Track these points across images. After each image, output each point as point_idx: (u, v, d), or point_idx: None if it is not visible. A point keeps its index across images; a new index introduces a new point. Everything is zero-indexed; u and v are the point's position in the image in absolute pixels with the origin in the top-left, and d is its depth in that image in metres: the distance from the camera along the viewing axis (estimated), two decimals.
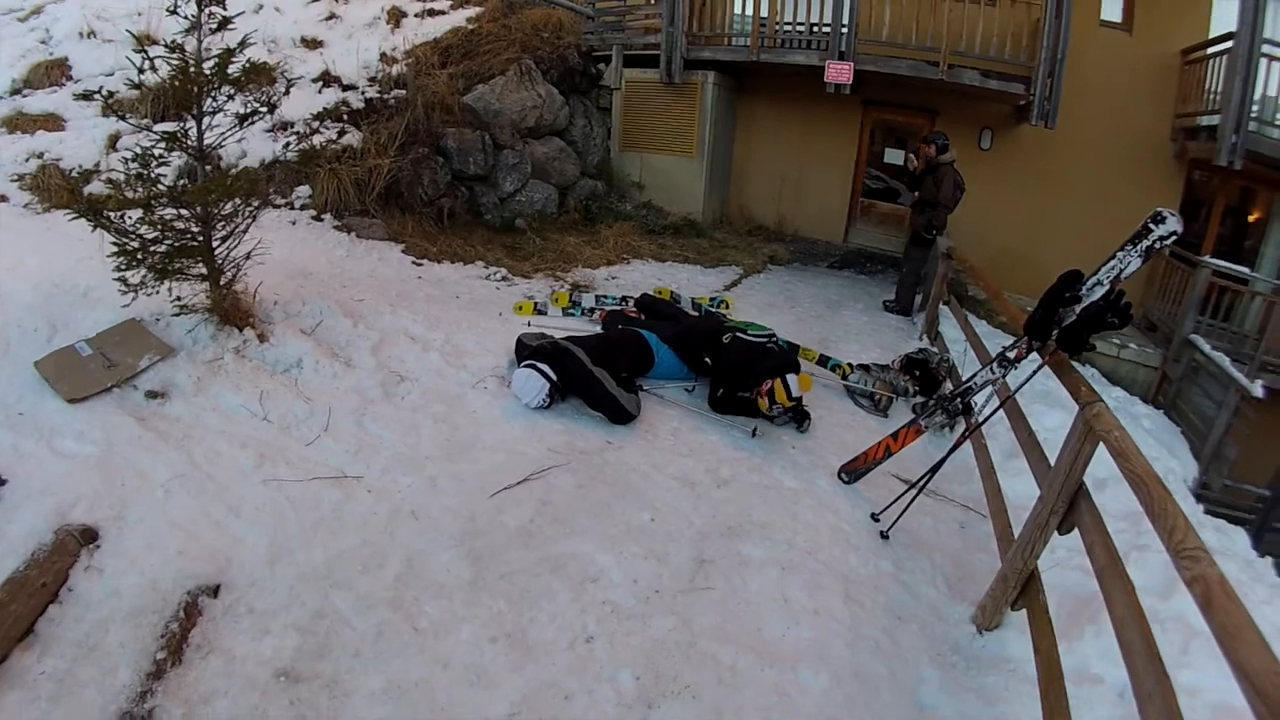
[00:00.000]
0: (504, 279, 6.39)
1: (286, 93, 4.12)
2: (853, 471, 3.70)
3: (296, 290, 4.74)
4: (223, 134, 3.69)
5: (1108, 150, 8.64)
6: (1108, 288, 2.63)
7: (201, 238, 3.65)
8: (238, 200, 3.80)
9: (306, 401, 3.54)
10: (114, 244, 3.33)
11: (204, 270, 3.76)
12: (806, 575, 2.93)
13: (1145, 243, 2.48)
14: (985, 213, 6.85)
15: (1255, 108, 7.71)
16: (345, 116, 6.94)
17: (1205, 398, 7.55)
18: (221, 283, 3.88)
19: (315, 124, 5.86)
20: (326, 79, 7.30)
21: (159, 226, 3.43)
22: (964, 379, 3.38)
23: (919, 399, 4.98)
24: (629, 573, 2.77)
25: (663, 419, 4.05)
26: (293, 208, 6.33)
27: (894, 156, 10.04)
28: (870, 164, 10.23)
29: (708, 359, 4.42)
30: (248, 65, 3.71)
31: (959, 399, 3.34)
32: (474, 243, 7.10)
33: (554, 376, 3.78)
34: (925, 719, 2.35)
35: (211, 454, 3.07)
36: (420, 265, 6.24)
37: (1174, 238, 2.44)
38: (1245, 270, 8.14)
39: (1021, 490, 3.53)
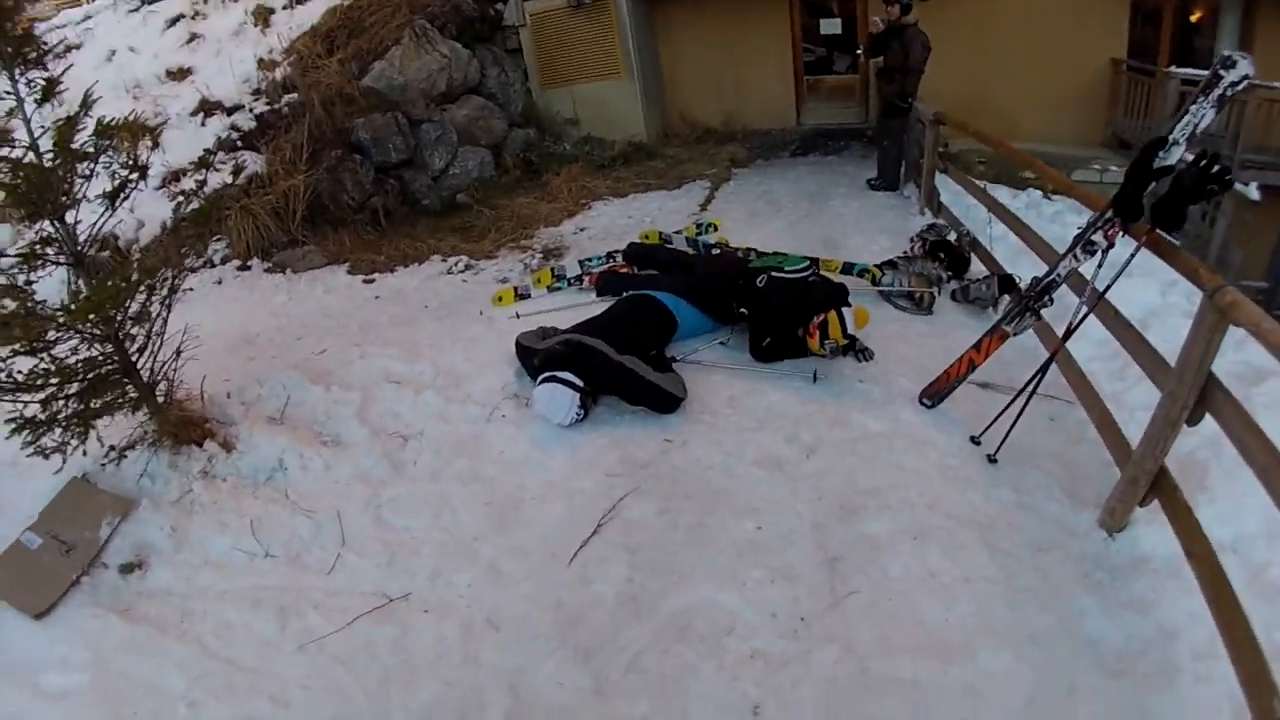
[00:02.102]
0: (467, 268, 5.71)
1: (154, 146, 3.33)
2: (936, 394, 3.26)
3: (247, 366, 4.09)
4: (96, 223, 2.96)
5: None
6: (1184, 146, 2.32)
7: (117, 358, 2.98)
8: (142, 292, 3.08)
9: (307, 515, 2.92)
10: (8, 419, 2.66)
11: (134, 393, 3.11)
12: (940, 537, 2.53)
13: (1217, 91, 2.23)
14: (932, 67, 6.43)
15: None
16: (239, 143, 6.04)
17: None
18: (160, 398, 3.23)
19: (209, 161, 4.94)
20: (206, 108, 6.33)
21: (54, 370, 2.73)
22: (1047, 272, 2.88)
23: (953, 283, 4.54)
24: (763, 607, 2.32)
25: (710, 389, 3.53)
26: (213, 265, 5.53)
27: (829, 27, 9.31)
28: (806, 40, 9.45)
29: (743, 309, 3.86)
30: (102, 128, 2.95)
31: (1044, 293, 2.87)
32: (421, 236, 6.36)
33: (580, 383, 3.20)
34: (1100, 654, 2.10)
35: (223, 630, 2.48)
36: (372, 282, 5.54)
37: (1246, 82, 2.18)
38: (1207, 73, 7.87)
39: (1099, 369, 3.25)
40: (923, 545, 2.51)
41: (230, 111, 6.30)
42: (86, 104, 3.08)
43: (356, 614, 2.47)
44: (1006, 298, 4.17)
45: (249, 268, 5.56)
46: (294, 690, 2.25)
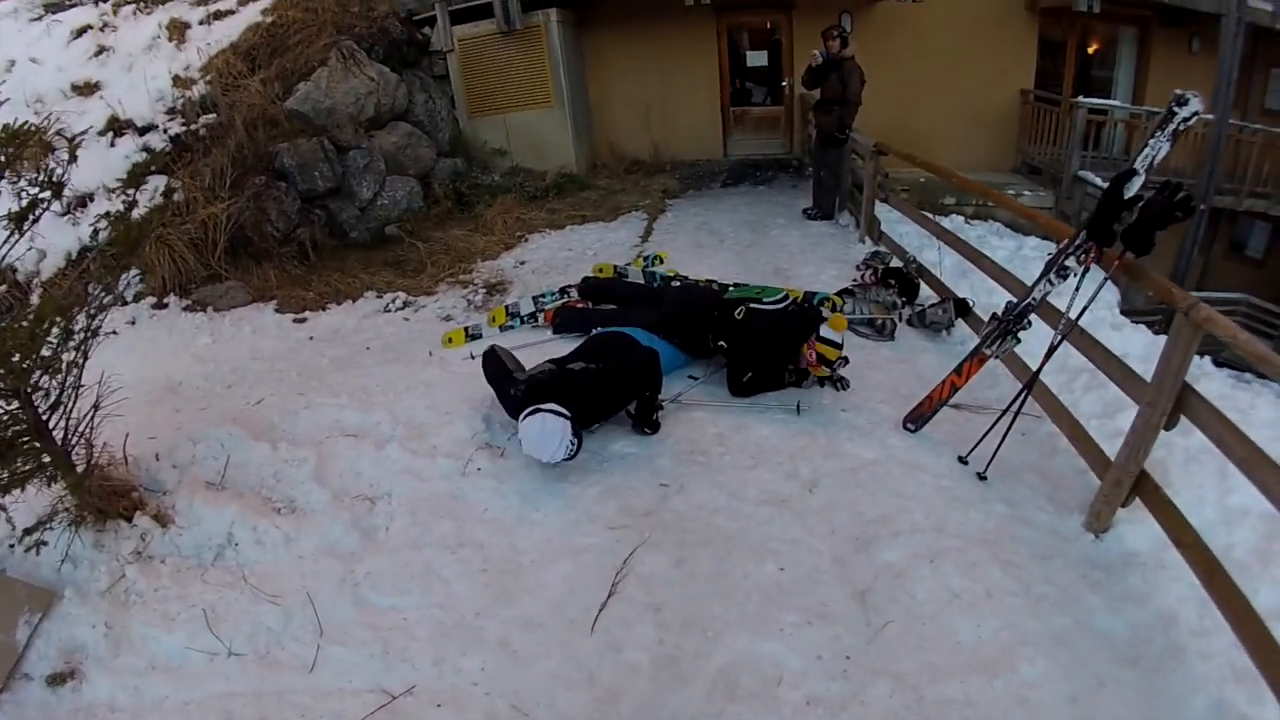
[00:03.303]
0: (405, 304, 5.41)
1: (73, 159, 2.92)
2: (919, 418, 3.34)
3: (174, 419, 3.65)
4: None
5: (960, 12, 8.68)
6: (1144, 177, 2.56)
7: (25, 417, 2.54)
8: (55, 337, 2.60)
9: (272, 600, 2.52)
10: None
11: (47, 459, 2.63)
12: (955, 558, 2.57)
13: (1171, 126, 2.48)
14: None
15: None
16: (152, 166, 5.49)
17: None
18: (77, 464, 2.75)
19: (137, 180, 4.38)
20: (116, 126, 5.73)
21: None
22: (1023, 296, 3.03)
23: (907, 309, 4.67)
24: (806, 650, 2.23)
25: (695, 428, 3.42)
26: (125, 302, 4.96)
27: (756, 59, 9.55)
28: (733, 72, 9.65)
29: (722, 343, 3.76)
30: (9, 134, 2.57)
31: (1021, 317, 3.01)
32: (352, 271, 5.98)
33: (568, 413, 2.93)
34: (1115, 646, 2.24)
35: None
36: (304, 321, 5.14)
37: (1196, 117, 2.45)
38: (1113, 102, 8.71)
39: (1049, 383, 3.37)
40: (941, 567, 2.53)
41: (143, 131, 5.75)
42: None
43: (357, 719, 2.12)
44: (962, 320, 4.32)
45: (165, 305, 5.04)
46: None
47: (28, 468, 2.61)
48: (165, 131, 5.73)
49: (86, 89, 6.23)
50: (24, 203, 2.76)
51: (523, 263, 6.31)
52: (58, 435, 2.72)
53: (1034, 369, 3.07)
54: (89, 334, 2.83)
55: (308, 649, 2.36)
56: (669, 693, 2.12)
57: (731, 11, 8.95)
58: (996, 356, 3.19)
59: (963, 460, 3.11)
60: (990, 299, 4.40)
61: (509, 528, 2.81)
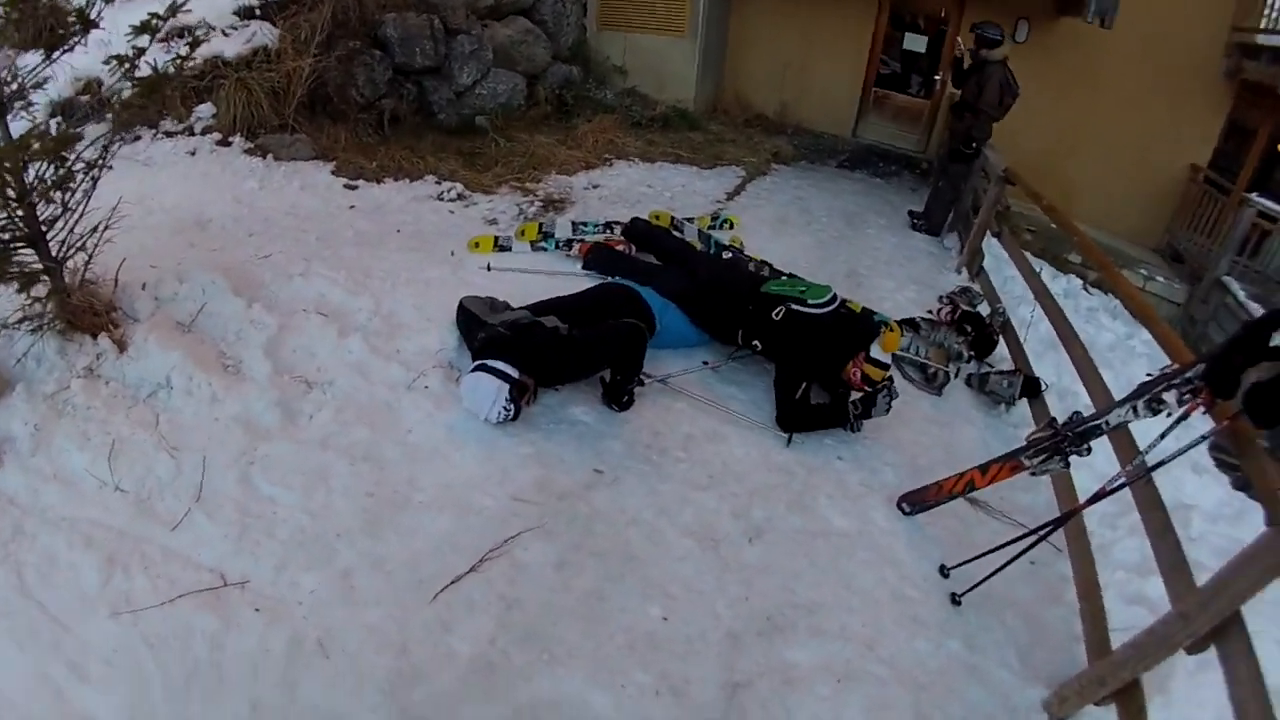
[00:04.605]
0: (459, 197, 5.23)
1: (170, 14, 2.76)
2: (918, 503, 2.82)
3: (184, 254, 3.63)
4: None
5: (1150, 57, 7.49)
6: None
7: (24, 221, 2.54)
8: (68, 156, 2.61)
9: (171, 452, 2.48)
10: None
11: (37, 265, 2.66)
12: (868, 688, 2.14)
13: None
14: (1013, 115, 5.91)
15: None
16: (257, 11, 5.43)
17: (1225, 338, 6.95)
18: (67, 274, 2.78)
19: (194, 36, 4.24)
20: None
21: None
22: (1093, 415, 2.37)
23: (973, 364, 4.08)
24: None
25: (669, 420, 3.09)
26: (193, 133, 4.99)
27: (914, 43, 8.65)
28: (886, 50, 8.79)
29: (756, 343, 3.36)
30: None
31: (1083, 438, 2.39)
32: (423, 151, 5.83)
33: (514, 373, 2.73)
34: None
35: (47, 564, 2.09)
36: (355, 189, 5.04)
37: None
38: None
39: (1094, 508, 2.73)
40: (844, 693, 2.12)
41: None
42: None
43: (184, 590, 2.07)
44: (1027, 401, 3.74)
45: (229, 144, 5.03)
46: (95, 663, 1.88)
47: (15, 270, 2.62)
48: None
49: None
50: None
51: (596, 186, 6.05)
52: (54, 247, 2.73)
53: (1079, 500, 2.57)
54: (95, 167, 2.78)
55: (179, 508, 2.33)
56: (467, 701, 1.90)
57: None
58: (1035, 474, 2.56)
59: (944, 572, 2.60)
60: (1072, 386, 3.80)
61: (420, 458, 2.64)
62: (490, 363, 2.74)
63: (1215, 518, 3.39)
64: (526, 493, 2.55)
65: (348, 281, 3.57)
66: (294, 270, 3.60)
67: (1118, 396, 2.95)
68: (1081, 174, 7.83)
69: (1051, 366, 4.25)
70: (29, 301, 2.67)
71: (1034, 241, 6.91)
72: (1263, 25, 7.09)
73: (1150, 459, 2.18)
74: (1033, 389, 3.73)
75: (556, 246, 4.43)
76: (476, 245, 4.31)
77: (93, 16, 2.65)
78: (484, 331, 2.96)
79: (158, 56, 2.88)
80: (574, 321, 3.09)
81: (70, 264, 2.80)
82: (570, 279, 3.95)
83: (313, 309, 3.32)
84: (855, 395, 3.15)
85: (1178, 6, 7.34)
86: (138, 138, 4.75)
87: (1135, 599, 2.63)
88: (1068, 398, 4.00)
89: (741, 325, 3.40)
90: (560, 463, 2.72)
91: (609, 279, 3.81)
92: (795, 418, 3.11)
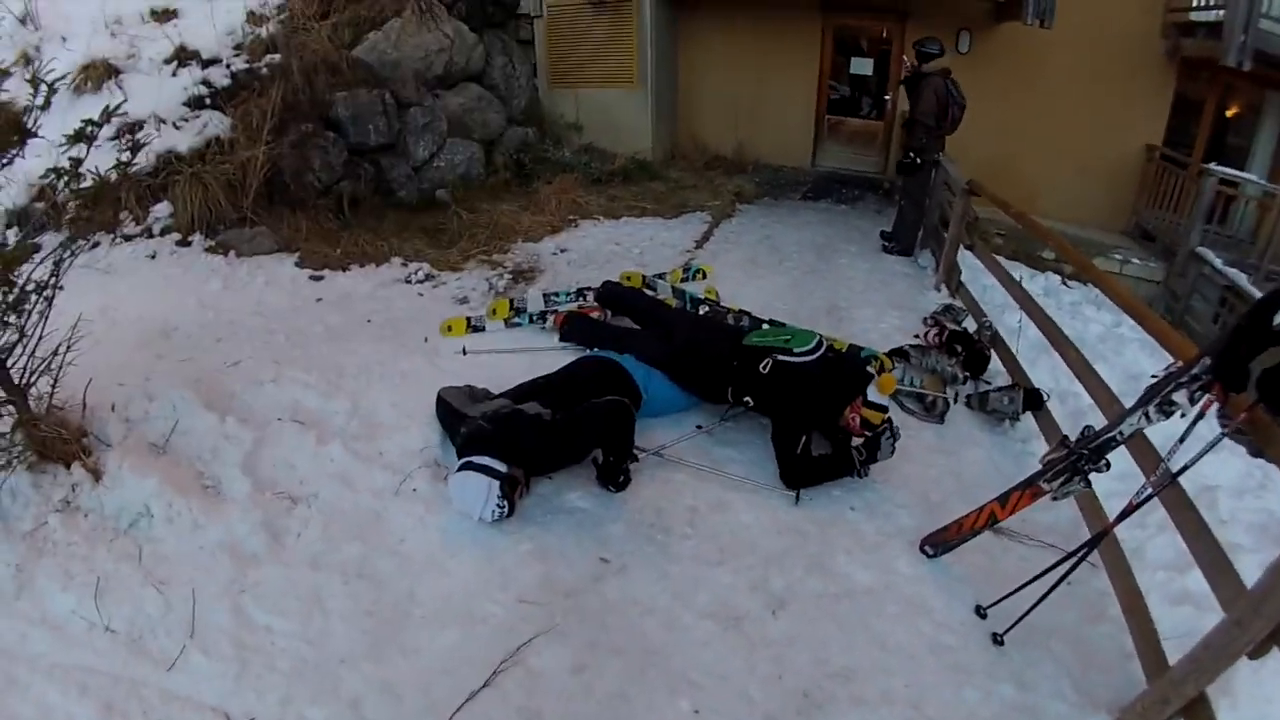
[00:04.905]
0: (427, 278, 5.16)
1: (101, 123, 2.68)
2: (941, 544, 2.71)
3: (151, 367, 3.52)
4: None
5: (1092, 49, 7.74)
6: None
7: None
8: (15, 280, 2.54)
9: (158, 588, 2.36)
10: None
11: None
12: None
13: None
14: (966, 124, 6.02)
15: (1265, 2, 6.89)
16: (207, 100, 5.39)
17: (1209, 308, 7.04)
18: (32, 401, 2.69)
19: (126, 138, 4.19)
20: (182, 56, 5.66)
21: None
22: (1106, 427, 2.30)
23: (969, 384, 4.02)
24: None
25: (669, 494, 2.96)
26: (152, 234, 4.90)
27: (861, 66, 8.85)
28: (833, 76, 8.99)
29: (748, 399, 3.24)
30: None
31: (1099, 453, 2.32)
32: (385, 233, 5.76)
33: (503, 468, 2.63)
34: None
35: (42, 718, 1.98)
36: (320, 279, 4.95)
37: None
38: (1249, 176, 7.69)
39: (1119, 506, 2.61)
40: None
41: (206, 64, 5.65)
42: None
43: None
44: (1030, 414, 3.67)
45: (189, 244, 4.94)
46: None
47: None
48: (228, 67, 5.60)
49: (164, 15, 6.19)
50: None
51: (564, 250, 6.00)
52: (15, 375, 2.66)
53: (1103, 508, 2.52)
54: (47, 287, 2.71)
55: (174, 646, 2.21)
56: None
57: (840, 12, 8.32)
58: (1056, 498, 2.44)
59: (980, 613, 2.46)
60: (1071, 387, 3.78)
61: (416, 570, 2.50)
62: (476, 459, 2.64)
63: (1240, 492, 3.35)
64: (532, 593, 2.42)
65: (321, 383, 3.47)
66: (265, 376, 3.49)
67: (1116, 390, 2.97)
68: (1041, 172, 7.99)
69: (1047, 371, 4.21)
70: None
71: (1005, 245, 6.97)
72: (1194, 4, 7.39)
73: (1172, 462, 2.11)
74: (1035, 401, 3.67)
75: (530, 321, 4.35)
76: (450, 329, 4.22)
77: (30, 126, 2.60)
78: (465, 426, 2.85)
79: (103, 160, 2.84)
80: (556, 403, 2.98)
81: (33, 390, 2.72)
82: (549, 354, 3.87)
83: (288, 416, 3.21)
84: (857, 441, 3.06)
85: (1111, 2, 7.56)
86: (96, 244, 4.65)
87: (1180, 598, 2.54)
88: (1069, 400, 3.98)
89: (729, 383, 3.29)
90: (562, 556, 2.59)
91: (588, 351, 3.73)
92: (799, 473, 3.00)
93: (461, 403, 3.10)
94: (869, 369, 3.72)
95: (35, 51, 5.67)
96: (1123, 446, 2.31)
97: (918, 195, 6.20)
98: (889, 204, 7.92)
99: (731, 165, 9.00)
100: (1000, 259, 5.68)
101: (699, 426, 3.38)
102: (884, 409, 3.04)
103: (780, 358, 3.17)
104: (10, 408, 2.63)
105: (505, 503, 2.60)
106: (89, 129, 2.56)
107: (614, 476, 2.88)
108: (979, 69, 7.61)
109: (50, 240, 3.12)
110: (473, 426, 2.81)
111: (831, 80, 9.00)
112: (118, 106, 2.71)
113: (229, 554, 2.52)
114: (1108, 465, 2.30)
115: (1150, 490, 2.17)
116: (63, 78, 2.55)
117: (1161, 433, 2.25)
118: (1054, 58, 7.71)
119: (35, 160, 2.83)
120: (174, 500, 2.65)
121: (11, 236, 2.95)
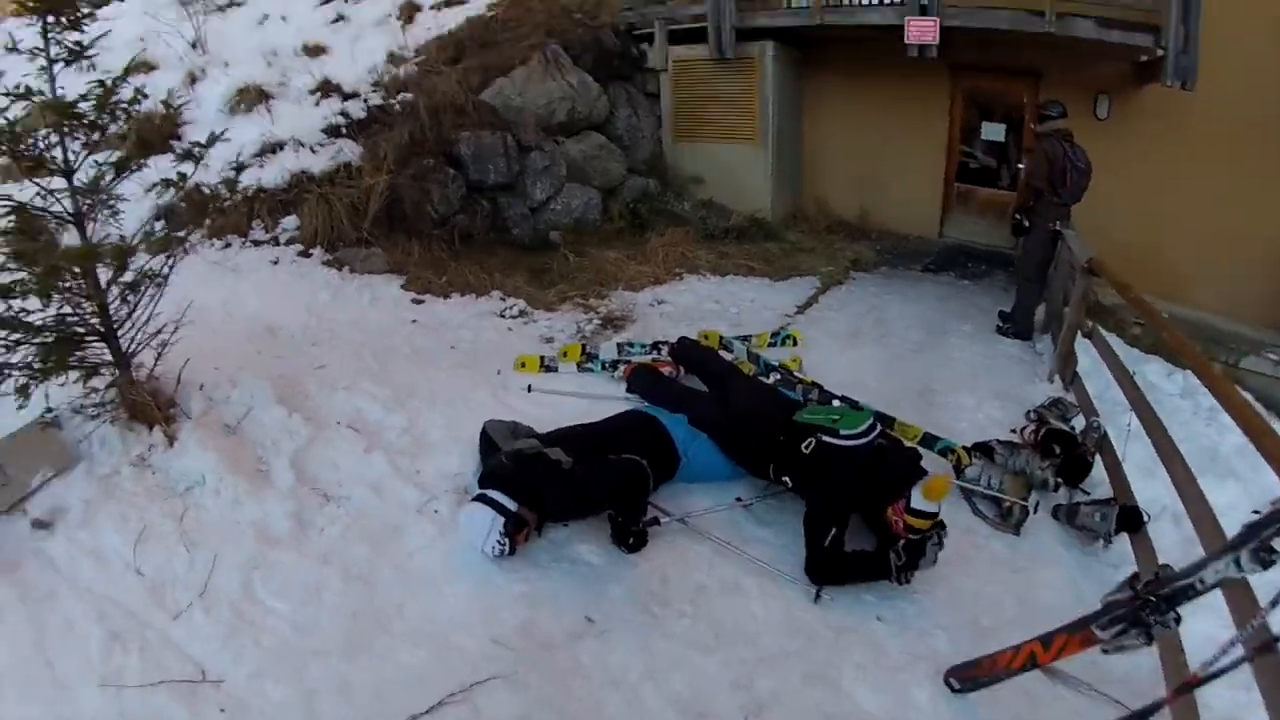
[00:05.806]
0: (521, 314, 5.33)
1: (208, 145, 3.08)
2: (970, 680, 2.34)
3: (246, 360, 3.83)
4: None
5: (1247, 113, 6.74)
6: None
7: (98, 321, 2.90)
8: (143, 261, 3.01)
9: (188, 547, 2.59)
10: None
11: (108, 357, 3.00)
12: None
13: None
14: (1104, 197, 5.43)
15: None
16: (343, 129, 5.99)
17: None
18: (134, 369, 3.09)
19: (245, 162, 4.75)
20: (325, 89, 6.36)
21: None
22: (1187, 569, 1.91)
23: (1062, 491, 3.55)
24: None
25: (682, 565, 2.80)
26: (277, 243, 5.44)
27: (992, 132, 8.36)
28: (964, 141, 8.54)
29: (786, 479, 3.05)
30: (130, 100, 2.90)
31: (1170, 603, 1.93)
32: (492, 268, 6.02)
33: (512, 506, 2.63)
34: None
35: (65, 628, 2.29)
36: (421, 303, 5.25)
37: None
38: None
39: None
40: None
41: (347, 97, 6.31)
42: (127, 72, 2.99)
43: (167, 678, 2.15)
44: (1126, 536, 3.17)
45: (309, 255, 5.43)
46: None
47: (86, 363, 2.97)
48: (365, 101, 6.21)
49: (315, 50, 6.98)
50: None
51: (661, 302, 6.00)
52: (124, 343, 3.07)
53: (1186, 655, 2.09)
54: (157, 275, 3.13)
55: (184, 599, 2.44)
56: None
57: (970, 73, 7.90)
58: (1107, 651, 2.05)
59: None
60: (1179, 508, 3.23)
61: (411, 585, 2.56)
62: (490, 493, 2.69)
63: None
64: (508, 637, 2.37)
65: (390, 395, 3.65)
66: (340, 383, 3.71)
67: (1238, 519, 2.43)
68: (1189, 255, 7.06)
69: (1165, 485, 3.62)
70: (87, 392, 2.99)
71: (1143, 336, 6.22)
72: None
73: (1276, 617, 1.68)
74: (1132, 521, 3.16)
75: (603, 368, 4.37)
76: (523, 365, 4.31)
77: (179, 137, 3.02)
78: (491, 460, 2.89)
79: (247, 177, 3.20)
80: (584, 453, 2.93)
81: (137, 360, 3.11)
82: (610, 403, 3.85)
83: (346, 422, 3.38)
84: (899, 542, 2.73)
85: (1271, 49, 6.63)
86: (228, 245, 5.23)
87: None
88: (1184, 524, 3.40)
89: (772, 458, 3.09)
90: (552, 607, 2.53)
91: (640, 406, 3.68)
92: (825, 567, 2.74)
93: (501, 437, 3.14)
94: (930, 467, 3.27)
95: (201, 73, 6.52)
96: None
97: (1028, 270, 5.73)
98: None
99: (854, 231, 8.71)
100: (1136, 351, 5.09)
101: (739, 499, 3.20)
102: (932, 515, 2.67)
103: (824, 438, 2.94)
104: (107, 370, 3.01)
105: (506, 540, 2.60)
106: (196, 150, 2.89)
107: (623, 537, 2.81)
108: (1120, 137, 6.97)
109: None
110: (494, 462, 2.87)
111: (964, 146, 8.54)
112: (222, 133, 3.11)
113: (256, 532, 2.73)
114: (1177, 620, 1.92)
115: (1242, 650, 1.74)
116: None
117: (1268, 581, 1.84)
118: (1204, 123, 6.83)
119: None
120: (226, 476, 2.92)
121: (157, 228, 3.41)
